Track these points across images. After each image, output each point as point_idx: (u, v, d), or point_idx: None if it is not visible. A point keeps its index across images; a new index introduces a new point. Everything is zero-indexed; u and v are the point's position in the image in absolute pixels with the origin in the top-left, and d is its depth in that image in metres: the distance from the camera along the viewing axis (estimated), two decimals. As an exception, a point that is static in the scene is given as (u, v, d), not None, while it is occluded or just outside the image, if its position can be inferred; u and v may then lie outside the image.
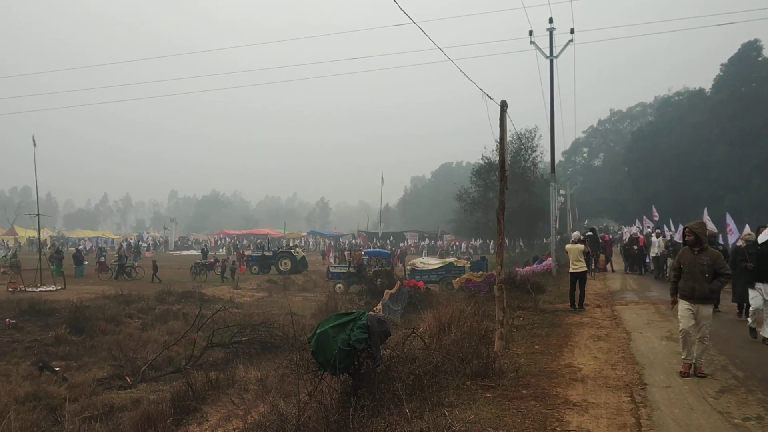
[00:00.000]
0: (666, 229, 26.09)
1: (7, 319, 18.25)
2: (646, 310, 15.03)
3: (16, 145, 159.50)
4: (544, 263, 27.10)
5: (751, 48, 55.51)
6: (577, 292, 15.21)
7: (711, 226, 19.71)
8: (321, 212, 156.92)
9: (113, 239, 77.19)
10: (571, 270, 15.36)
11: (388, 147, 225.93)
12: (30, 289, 26.01)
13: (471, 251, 62.63)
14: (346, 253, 44.31)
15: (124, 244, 55.60)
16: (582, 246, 15.57)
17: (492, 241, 51.24)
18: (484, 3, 68.77)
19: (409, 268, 30.68)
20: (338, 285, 30.10)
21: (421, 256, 52.42)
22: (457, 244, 73.60)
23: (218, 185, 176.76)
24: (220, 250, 65.89)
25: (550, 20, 25.72)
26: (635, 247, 26.23)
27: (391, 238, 77.54)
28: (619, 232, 42.92)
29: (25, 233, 70.87)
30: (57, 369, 14.53)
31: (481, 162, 51.74)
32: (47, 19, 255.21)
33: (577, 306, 15.13)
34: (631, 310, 14.99)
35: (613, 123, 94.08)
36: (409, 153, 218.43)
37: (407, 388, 6.91)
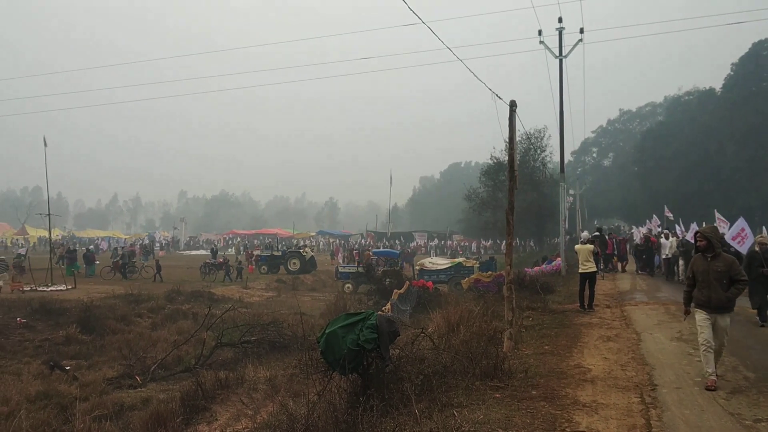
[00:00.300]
0: (677, 228, 25.89)
1: (18, 318, 18.35)
2: (656, 310, 14.95)
3: (27, 145, 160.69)
4: (553, 263, 27.05)
5: (762, 47, 55.17)
6: (587, 292, 15.16)
7: (723, 229, 19.49)
8: (330, 212, 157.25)
9: (125, 239, 77.46)
10: (580, 270, 15.31)
11: (396, 142, 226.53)
12: (41, 289, 26.17)
13: (482, 251, 62.53)
14: (354, 252, 44.34)
15: (138, 244, 55.95)
16: (591, 246, 15.52)
17: (502, 242, 51.11)
18: (494, 2, 68.52)
19: (417, 268, 30.66)
20: (347, 285, 30.11)
21: (430, 256, 52.39)
22: (465, 243, 73.57)
23: (228, 185, 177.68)
24: (229, 250, 66.08)
25: (560, 20, 25.65)
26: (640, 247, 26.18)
27: (401, 238, 77.53)
28: (630, 232, 42.72)
29: (36, 233, 71.31)
30: (67, 368, 14.60)
31: (490, 162, 51.71)
32: (53, 18, 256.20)
33: (586, 306, 15.08)
34: (641, 311, 14.92)
35: (623, 123, 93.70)
36: (418, 146, 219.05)
37: (416, 389, 6.91)
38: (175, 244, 77.09)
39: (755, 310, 12.74)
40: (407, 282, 21.59)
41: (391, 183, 71.75)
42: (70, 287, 27.18)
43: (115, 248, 42.61)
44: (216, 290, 27.38)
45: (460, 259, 33.28)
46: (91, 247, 49.41)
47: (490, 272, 25.89)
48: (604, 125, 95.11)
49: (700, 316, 7.85)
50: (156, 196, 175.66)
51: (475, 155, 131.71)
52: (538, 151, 51.14)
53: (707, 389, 7.48)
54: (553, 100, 28.14)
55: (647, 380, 8.08)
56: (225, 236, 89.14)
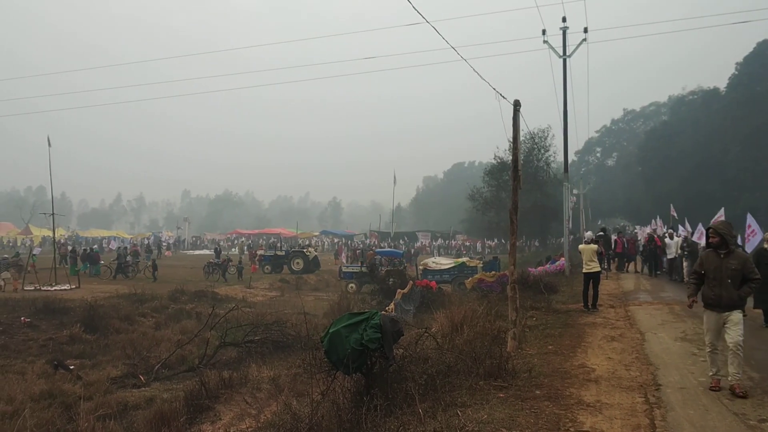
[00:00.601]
0: (681, 228, 25.80)
1: (22, 318, 18.40)
2: (660, 310, 14.93)
3: (31, 145, 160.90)
4: (557, 263, 27.01)
5: (767, 47, 55.00)
6: (591, 292, 15.14)
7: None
8: (333, 212, 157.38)
9: (131, 238, 77.58)
10: (584, 270, 15.31)
11: (399, 142, 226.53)
12: (45, 288, 26.24)
13: (488, 251, 62.46)
14: (356, 252, 44.34)
15: (146, 243, 56.05)
16: (595, 246, 15.48)
17: (507, 241, 51.11)
18: (498, 2, 68.46)
19: (421, 268, 30.64)
20: (350, 285, 30.11)
21: (434, 255, 52.36)
22: (468, 243, 73.53)
23: (231, 184, 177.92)
24: (233, 249, 66.16)
25: (563, 19, 25.59)
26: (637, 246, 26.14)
27: (405, 238, 77.55)
28: (634, 232, 42.66)
29: (39, 232, 71.44)
30: (71, 367, 14.63)
31: (494, 162, 51.74)
32: (61, 17, 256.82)
33: (590, 306, 15.06)
34: (645, 311, 14.90)
35: (627, 122, 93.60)
36: (421, 146, 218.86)
37: (420, 388, 6.91)
38: (180, 244, 77.07)
39: (759, 310, 12.58)
40: (411, 282, 21.56)
41: (394, 183, 71.76)
42: (74, 287, 27.25)
43: (125, 247, 42.75)
44: (219, 290, 27.42)
45: (464, 259, 33.23)
46: (95, 246, 49.51)
47: (493, 272, 25.86)
48: (608, 125, 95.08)
49: (709, 319, 7.64)
50: (159, 196, 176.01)
51: (479, 155, 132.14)
52: (542, 151, 51.15)
53: (711, 389, 7.43)
54: (557, 100, 28.07)
55: (651, 380, 8.07)
56: (228, 236, 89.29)
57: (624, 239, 28.75)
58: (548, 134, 51.26)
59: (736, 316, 7.43)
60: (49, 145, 30.80)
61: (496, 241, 65.51)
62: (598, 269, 15.45)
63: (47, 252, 45.37)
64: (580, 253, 16.43)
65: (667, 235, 23.94)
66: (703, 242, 19.29)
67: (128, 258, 36.59)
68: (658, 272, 24.49)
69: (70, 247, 43.32)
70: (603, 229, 29.76)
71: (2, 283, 26.99)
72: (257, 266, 40.38)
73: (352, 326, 6.98)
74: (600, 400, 7.13)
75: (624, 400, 7.12)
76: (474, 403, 6.88)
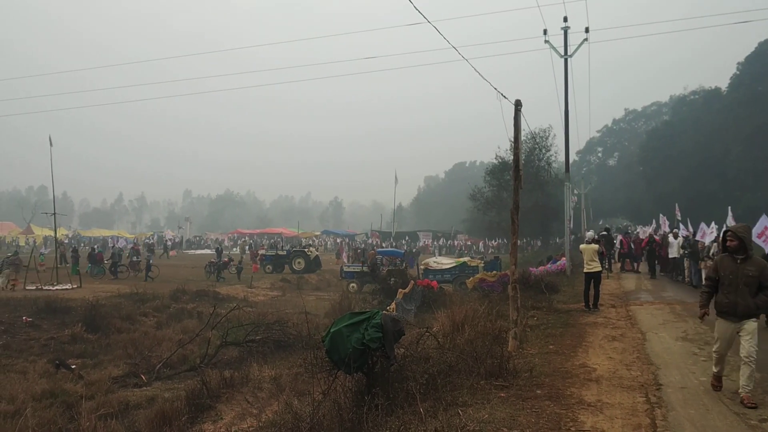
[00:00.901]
0: (683, 228, 25.75)
1: (24, 317, 18.43)
2: (662, 310, 14.94)
3: (33, 144, 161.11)
4: (558, 263, 27.00)
5: (768, 46, 54.96)
6: (592, 292, 15.14)
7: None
8: (334, 211, 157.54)
9: (134, 238, 77.63)
10: (585, 270, 15.31)
11: (400, 140, 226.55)
12: (46, 288, 26.26)
13: (491, 250, 62.42)
14: (358, 251, 44.34)
15: (149, 242, 56.12)
16: (596, 246, 15.48)
17: (509, 241, 51.14)
18: (499, 2, 68.43)
19: (422, 267, 30.65)
20: (352, 284, 30.12)
21: (435, 255, 52.34)
22: (469, 243, 73.52)
23: (232, 184, 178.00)
24: (234, 249, 66.17)
25: (565, 19, 25.57)
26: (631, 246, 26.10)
27: (407, 238, 77.55)
28: (635, 232, 42.64)
29: (41, 232, 71.49)
30: (73, 367, 14.65)
31: (495, 161, 51.77)
32: (63, 14, 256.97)
33: (591, 306, 15.06)
34: (646, 311, 14.90)
35: (628, 122, 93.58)
36: (422, 146, 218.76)
37: (421, 387, 6.91)
38: (182, 244, 77.04)
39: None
40: (412, 281, 21.57)
41: (396, 182, 71.69)
42: (75, 286, 27.28)
43: (132, 247, 42.84)
44: (221, 290, 27.43)
45: (465, 259, 33.23)
46: (96, 246, 49.54)
47: (494, 272, 25.88)
48: (610, 125, 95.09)
49: (721, 327, 7.26)
50: (161, 196, 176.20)
51: (480, 155, 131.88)
52: (543, 151, 51.14)
53: (713, 386, 7.43)
54: (558, 100, 28.06)
55: (652, 380, 8.07)
56: (230, 235, 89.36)
57: (630, 239, 28.70)
58: (549, 134, 51.33)
59: (751, 325, 7.03)
60: (51, 144, 30.81)
61: (497, 240, 65.50)
62: (599, 269, 15.46)
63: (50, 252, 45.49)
64: (581, 252, 16.43)
65: (670, 234, 23.87)
66: (707, 241, 19.19)
67: (134, 258, 36.57)
68: (661, 273, 24.42)
69: (71, 247, 43.30)
70: (606, 229, 29.75)
71: (5, 281, 27.06)
72: (258, 266, 40.39)
73: (354, 326, 6.99)
74: (601, 399, 7.13)
75: (625, 400, 7.13)
76: (475, 403, 6.89)
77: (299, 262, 39.38)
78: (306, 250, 42.18)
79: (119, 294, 23.57)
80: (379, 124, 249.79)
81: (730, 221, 19.75)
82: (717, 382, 7.43)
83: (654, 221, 37.94)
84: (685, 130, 62.54)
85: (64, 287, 26.70)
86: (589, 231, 20.72)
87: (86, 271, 33.18)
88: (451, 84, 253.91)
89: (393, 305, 16.58)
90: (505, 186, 47.37)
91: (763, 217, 17.92)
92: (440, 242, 73.94)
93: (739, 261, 7.06)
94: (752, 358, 6.91)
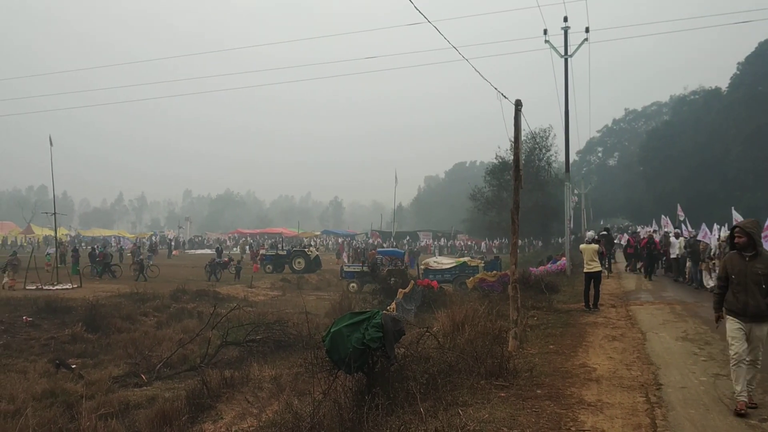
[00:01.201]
0: (684, 229, 25.74)
1: (24, 317, 18.43)
2: (662, 310, 14.94)
3: (32, 145, 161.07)
4: (558, 263, 27.01)
5: (768, 46, 54.99)
6: (592, 291, 15.15)
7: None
8: (334, 211, 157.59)
9: (138, 238, 77.64)
10: (585, 270, 15.31)
11: (400, 140, 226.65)
12: (47, 287, 26.28)
13: (495, 251, 62.38)
14: (358, 250, 44.35)
15: (150, 241, 56.14)
16: (596, 246, 15.50)
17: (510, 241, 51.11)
18: (499, 2, 68.46)
19: (422, 267, 30.66)
20: (352, 284, 30.12)
21: (435, 255, 52.34)
22: (470, 243, 73.55)
23: (232, 184, 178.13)
24: (234, 249, 66.18)
25: (565, 19, 25.58)
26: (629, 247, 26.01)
27: (408, 238, 77.60)
28: (636, 233, 42.60)
29: (41, 232, 71.52)
30: (73, 366, 14.66)
31: (495, 161, 51.78)
32: (62, 13, 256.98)
33: (591, 306, 15.07)
34: (646, 310, 14.91)
35: (628, 122, 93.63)
36: (423, 146, 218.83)
37: (421, 387, 6.91)
38: (186, 244, 76.96)
39: None
40: (412, 281, 21.57)
41: (396, 182, 71.77)
42: (75, 286, 27.29)
43: (138, 247, 42.81)
44: (221, 289, 27.44)
45: (465, 259, 33.22)
46: (97, 246, 49.56)
47: (495, 272, 25.88)
48: (610, 125, 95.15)
49: (732, 326, 6.72)
50: (161, 196, 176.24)
51: (480, 155, 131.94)
52: (544, 151, 51.15)
53: (737, 413, 6.45)
54: (559, 100, 28.03)
55: (652, 380, 8.07)
56: (230, 235, 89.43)
57: (637, 240, 28.62)
58: (549, 134, 51.33)
59: (761, 331, 6.61)
60: (51, 144, 30.83)
61: (498, 240, 65.51)
62: (599, 269, 15.47)
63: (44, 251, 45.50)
64: (581, 252, 16.44)
65: (672, 234, 23.82)
66: (710, 241, 19.10)
67: (140, 258, 36.51)
68: (665, 274, 24.33)
69: (72, 247, 43.30)
70: (606, 229, 29.74)
71: (7, 280, 27.14)
72: (259, 266, 40.39)
73: (354, 325, 6.99)
74: (601, 399, 7.14)
75: (625, 400, 7.13)
76: (475, 403, 6.89)
77: (299, 262, 39.40)
78: (306, 250, 42.20)
79: (119, 294, 23.57)
80: (379, 124, 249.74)
81: (736, 220, 19.56)
82: (742, 408, 6.50)
83: (654, 221, 37.92)
84: (685, 130, 62.58)
85: (64, 287, 26.71)
86: (589, 231, 20.72)
87: (88, 271, 33.18)
88: (451, 84, 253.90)
89: (393, 305, 16.58)
90: (505, 186, 47.36)
91: None
92: (441, 242, 73.94)
93: (747, 258, 6.69)
94: (758, 362, 6.69)
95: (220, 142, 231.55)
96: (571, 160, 28.64)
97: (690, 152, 58.37)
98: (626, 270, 27.57)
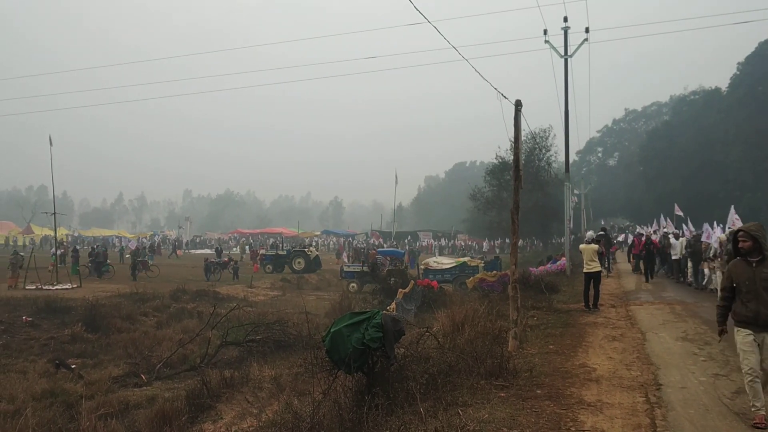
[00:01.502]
0: (685, 229, 25.70)
1: (24, 317, 18.43)
2: (661, 310, 14.94)
3: (32, 145, 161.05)
4: (558, 263, 27.02)
5: (768, 46, 54.99)
6: (592, 291, 15.15)
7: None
8: (334, 211, 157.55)
9: (139, 237, 77.61)
10: (585, 270, 15.31)
11: (401, 140, 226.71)
12: (46, 287, 26.27)
13: (498, 251, 62.33)
14: (360, 249, 44.36)
15: (153, 242, 56.23)
16: (596, 246, 15.50)
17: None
18: (500, 2, 68.53)
19: (422, 267, 30.66)
20: (352, 284, 30.13)
21: (435, 255, 52.34)
22: (471, 243, 73.54)
23: (232, 184, 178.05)
24: (234, 249, 66.19)
25: (565, 19, 25.61)
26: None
27: (409, 238, 77.60)
28: (638, 232, 42.58)
29: (41, 231, 71.51)
30: (73, 366, 14.65)
31: (495, 161, 51.83)
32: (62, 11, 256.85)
33: (591, 306, 15.07)
34: (646, 311, 14.91)
35: (628, 122, 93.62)
36: (423, 146, 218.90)
37: (421, 387, 6.91)
38: (188, 244, 76.86)
39: None
40: (412, 281, 21.58)
41: (396, 182, 71.79)
42: (75, 286, 27.29)
43: (142, 246, 42.80)
44: (221, 289, 27.45)
45: (465, 259, 33.21)
46: (97, 246, 49.57)
47: (494, 272, 25.89)
48: (610, 125, 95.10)
49: (743, 338, 6.22)
50: (161, 195, 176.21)
51: (480, 155, 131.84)
52: (543, 151, 51.22)
53: (755, 426, 6.06)
54: (559, 100, 28.09)
55: (652, 380, 8.07)
56: (230, 235, 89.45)
57: (641, 240, 28.47)
58: (549, 134, 51.41)
59: None
60: (51, 144, 30.85)
61: (500, 240, 65.53)
62: (599, 269, 15.47)
63: (46, 251, 45.59)
64: (580, 252, 16.44)
65: (672, 235, 23.73)
66: (712, 241, 18.99)
67: (137, 258, 36.51)
68: (648, 277, 24.11)
69: (72, 247, 43.31)
70: (603, 229, 29.71)
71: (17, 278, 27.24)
72: (259, 266, 40.40)
73: (354, 325, 6.99)
74: (601, 399, 7.13)
75: (625, 400, 7.13)
76: (475, 403, 6.89)
77: (299, 262, 39.41)
78: (306, 250, 42.22)
79: (119, 294, 23.57)
80: (379, 124, 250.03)
81: (733, 220, 19.48)
82: (761, 421, 6.06)
83: (655, 221, 37.90)
84: (685, 131, 62.57)
85: (64, 287, 26.71)
86: (588, 231, 20.70)
87: (87, 271, 33.17)
88: (451, 84, 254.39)
89: (393, 305, 16.59)
90: (505, 186, 47.39)
91: None
92: (441, 242, 73.94)
93: (754, 264, 6.20)
94: None
95: (219, 141, 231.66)
96: (571, 160, 28.69)
97: (690, 152, 58.37)
98: (633, 271, 27.31)
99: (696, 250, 19.73)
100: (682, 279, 21.73)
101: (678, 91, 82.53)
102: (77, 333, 17.34)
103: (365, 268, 30.47)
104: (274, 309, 21.82)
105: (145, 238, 75.92)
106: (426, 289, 21.22)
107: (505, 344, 9.54)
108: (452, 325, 10.59)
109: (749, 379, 6.14)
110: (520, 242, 21.35)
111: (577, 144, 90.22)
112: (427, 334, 9.26)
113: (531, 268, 25.59)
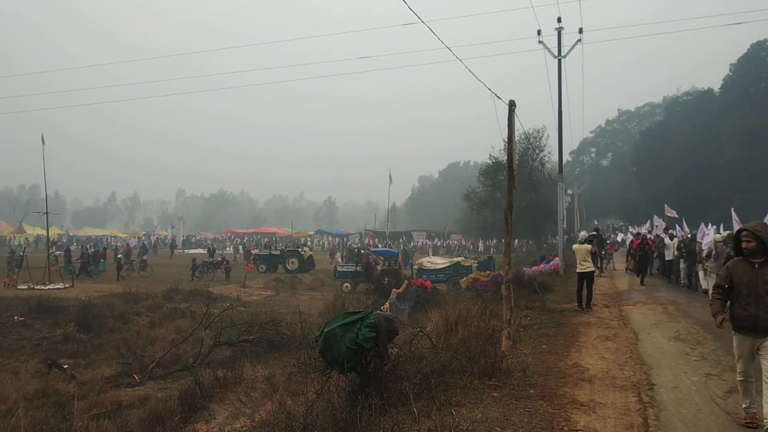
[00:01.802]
0: (678, 229, 25.74)
1: (15, 317, 18.35)
2: (654, 310, 14.98)
3: (24, 144, 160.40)
4: (551, 263, 27.06)
5: (761, 48, 55.35)
6: (585, 292, 15.17)
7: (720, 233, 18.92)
8: (328, 211, 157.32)
9: (135, 237, 77.36)
10: (578, 270, 15.33)
11: (395, 140, 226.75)
12: (39, 287, 26.17)
13: (493, 251, 62.30)
14: (355, 250, 44.37)
15: (145, 241, 56.16)
16: (589, 246, 15.53)
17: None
18: (493, 2, 68.58)
19: (416, 267, 30.69)
20: (345, 284, 30.12)
21: (429, 255, 52.37)
22: (465, 242, 73.60)
23: (226, 183, 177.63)
24: (228, 249, 66.05)
25: (559, 20, 25.66)
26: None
27: (403, 238, 77.59)
28: (637, 232, 42.62)
29: (33, 231, 71.18)
30: (65, 366, 14.60)
31: (489, 162, 51.87)
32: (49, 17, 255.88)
33: (584, 306, 15.08)
34: (639, 311, 14.94)
35: (622, 123, 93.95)
36: (417, 146, 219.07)
37: (415, 387, 6.91)
38: (186, 243, 76.51)
39: None
40: (406, 281, 21.60)
41: (390, 182, 71.77)
42: (67, 286, 27.19)
43: (144, 246, 42.76)
44: (214, 289, 27.40)
45: (459, 259, 33.29)
46: (89, 245, 49.42)
47: (488, 272, 25.92)
48: (603, 125, 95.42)
49: (742, 343, 6.08)
50: (154, 195, 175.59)
51: (474, 155, 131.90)
52: (537, 151, 51.29)
53: (746, 425, 6.08)
54: (552, 101, 28.10)
55: (645, 379, 8.09)
56: (222, 235, 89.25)
57: (640, 241, 28.39)
58: (543, 134, 51.45)
59: None
60: (43, 143, 30.76)
61: (494, 240, 65.60)
62: (592, 269, 15.49)
63: (41, 250, 45.31)
64: (573, 252, 16.48)
65: (666, 235, 23.70)
66: (705, 242, 18.97)
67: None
68: (662, 276, 24.05)
69: (64, 247, 43.13)
70: (596, 229, 29.77)
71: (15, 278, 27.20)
72: (252, 265, 40.33)
73: (347, 325, 6.99)
74: (594, 399, 7.15)
75: (617, 400, 7.14)
76: (468, 402, 6.89)
77: (293, 262, 39.37)
78: (299, 249, 42.18)
79: (112, 294, 23.49)
80: (373, 123, 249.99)
81: (735, 221, 19.48)
82: (751, 420, 6.07)
83: (649, 222, 38.01)
84: (678, 131, 62.83)
85: (56, 287, 26.62)
86: (582, 231, 20.73)
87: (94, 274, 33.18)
88: (446, 84, 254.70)
89: (387, 305, 16.60)
90: (498, 186, 47.48)
91: None
92: (435, 242, 73.94)
93: (757, 266, 5.93)
94: None
95: (218, 139, 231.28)
96: (564, 161, 28.73)
97: (683, 153, 58.60)
98: (626, 270, 27.28)
99: (691, 250, 19.72)
100: (673, 279, 21.70)
101: (671, 92, 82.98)
102: (69, 333, 17.28)
103: (359, 268, 30.49)
104: (267, 309, 21.77)
105: (139, 237, 75.61)
106: (420, 289, 21.25)
107: (498, 344, 9.55)
108: (446, 325, 10.59)
109: (741, 378, 6.14)
110: (516, 242, 21.37)
111: (570, 144, 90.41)
112: (420, 334, 9.27)
113: (524, 268, 25.64)
